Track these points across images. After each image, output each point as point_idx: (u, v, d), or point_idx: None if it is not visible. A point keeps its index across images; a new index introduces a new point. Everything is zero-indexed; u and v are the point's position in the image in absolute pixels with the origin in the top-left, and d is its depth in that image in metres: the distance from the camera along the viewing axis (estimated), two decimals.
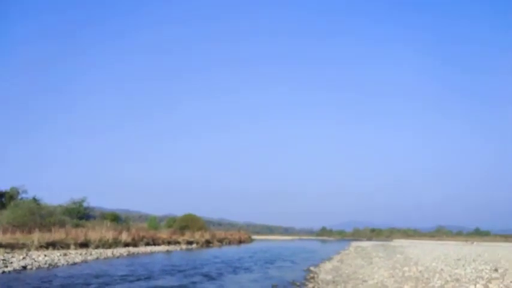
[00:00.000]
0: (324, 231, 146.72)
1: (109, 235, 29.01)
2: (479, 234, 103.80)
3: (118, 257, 23.16)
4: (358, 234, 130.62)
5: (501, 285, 10.42)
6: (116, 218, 46.46)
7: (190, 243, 41.12)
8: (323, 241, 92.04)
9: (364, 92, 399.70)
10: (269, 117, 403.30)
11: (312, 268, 18.82)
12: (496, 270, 14.01)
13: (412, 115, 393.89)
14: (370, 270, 15.80)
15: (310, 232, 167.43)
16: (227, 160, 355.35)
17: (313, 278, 14.99)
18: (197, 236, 44.57)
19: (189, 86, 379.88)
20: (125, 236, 30.84)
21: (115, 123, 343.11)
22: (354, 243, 59.98)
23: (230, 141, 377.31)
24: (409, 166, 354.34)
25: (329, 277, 14.47)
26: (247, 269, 18.89)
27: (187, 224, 50.95)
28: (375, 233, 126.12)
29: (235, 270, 18.11)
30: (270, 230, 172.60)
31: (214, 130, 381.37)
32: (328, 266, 19.73)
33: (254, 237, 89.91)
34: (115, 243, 29.14)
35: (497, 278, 12.06)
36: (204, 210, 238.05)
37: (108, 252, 24.71)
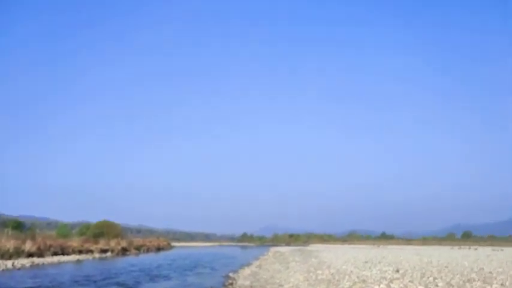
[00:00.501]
0: (244, 237, 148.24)
1: (10, 244, 26.26)
2: (385, 238, 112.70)
3: (19, 269, 21.09)
4: (277, 240, 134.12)
5: (401, 285, 11.48)
6: (18, 226, 42.29)
7: (104, 251, 38.83)
8: (243, 247, 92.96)
9: (271, 98, 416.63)
10: (186, 122, 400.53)
11: (231, 274, 18.92)
12: (397, 271, 15.38)
13: (330, 122, 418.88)
14: (287, 275, 16.35)
15: (231, 238, 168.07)
16: (146, 164, 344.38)
17: (231, 284, 15.08)
18: (113, 243, 42.27)
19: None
20: (29, 245, 28.15)
21: (15, 124, 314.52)
22: (273, 249, 61.53)
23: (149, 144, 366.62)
24: (325, 173, 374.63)
25: (247, 283, 14.68)
26: (166, 277, 18.41)
27: (102, 231, 48.13)
28: (293, 238, 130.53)
29: (153, 279, 17.54)
30: (191, 236, 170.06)
31: (132, 130, 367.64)
32: (246, 271, 19.99)
33: (174, 244, 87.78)
34: (17, 253, 26.47)
35: (398, 278, 13.24)
36: (122, 217, 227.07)
37: (8, 263, 22.38)
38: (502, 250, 45.94)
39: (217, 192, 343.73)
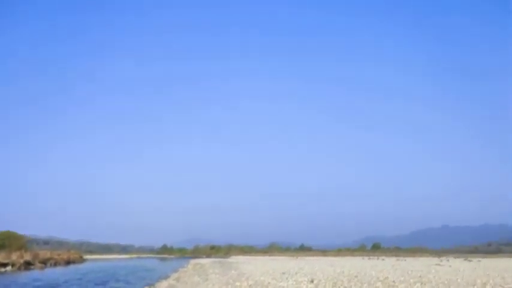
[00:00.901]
0: (164, 249, 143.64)
1: None
2: (303, 249, 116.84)
3: None
4: (198, 252, 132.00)
5: None
6: None
7: (3, 265, 35.00)
8: (163, 259, 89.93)
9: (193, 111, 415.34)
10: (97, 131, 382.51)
11: None
12: (312, 281, 16.03)
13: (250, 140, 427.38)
14: (205, 287, 16.16)
15: (150, 250, 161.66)
16: (57, 173, 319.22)
17: None
18: (14, 256, 38.27)
19: None
20: None
21: None
22: (193, 261, 60.42)
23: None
24: (246, 185, 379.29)
25: None
26: None
27: (3, 243, 43.45)
28: (214, 250, 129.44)
29: None
30: (106, 248, 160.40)
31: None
32: (164, 284, 19.38)
33: (87, 256, 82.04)
34: None
35: None
36: (29, 227, 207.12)
37: None
38: (405, 260, 50.09)
39: (136, 202, 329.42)
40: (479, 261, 46.73)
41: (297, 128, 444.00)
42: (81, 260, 62.56)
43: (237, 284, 16.15)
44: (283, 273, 21.69)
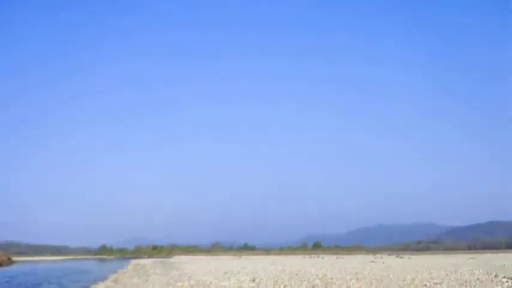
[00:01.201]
0: (103, 250, 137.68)
1: None
2: (247, 248, 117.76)
3: None
4: (139, 252, 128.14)
5: None
6: None
7: None
8: (101, 260, 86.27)
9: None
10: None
11: None
12: (253, 280, 16.24)
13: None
14: None
15: (87, 251, 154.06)
16: None
17: None
18: None
19: None
20: None
21: None
22: (134, 261, 58.62)
23: None
24: (187, 186, 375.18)
25: None
26: None
27: None
28: (156, 250, 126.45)
29: None
30: (38, 249, 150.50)
31: None
32: (100, 287, 18.64)
33: (17, 258, 76.53)
34: None
35: (253, 287, 14.00)
36: None
37: None
38: (344, 258, 52.30)
39: (73, 199, 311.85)
40: (409, 258, 49.93)
41: (242, 127, 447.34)
42: (9, 262, 58.36)
43: (179, 284, 15.95)
44: (226, 272, 21.75)
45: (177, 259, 67.24)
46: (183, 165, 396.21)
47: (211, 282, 15.96)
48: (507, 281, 14.58)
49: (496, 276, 17.26)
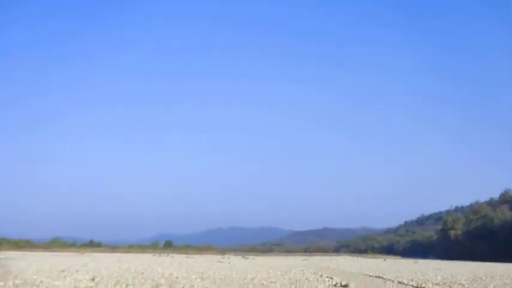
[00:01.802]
0: None
1: None
2: (92, 245, 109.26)
3: None
4: None
5: None
6: None
7: None
8: None
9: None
10: None
11: None
12: (93, 279, 15.20)
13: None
14: None
15: None
16: None
17: None
18: None
19: None
20: None
21: None
22: None
23: None
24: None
25: None
26: None
27: None
28: None
29: None
30: None
31: None
32: None
33: None
34: None
35: (92, 287, 13.12)
36: None
37: None
38: (193, 258, 52.99)
39: None
40: (254, 258, 53.45)
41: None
42: None
43: (0, 284, 13.91)
44: (62, 270, 19.85)
45: (4, 255, 58.37)
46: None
47: (42, 281, 14.36)
48: (328, 280, 16.86)
49: (321, 276, 19.78)
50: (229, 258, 53.64)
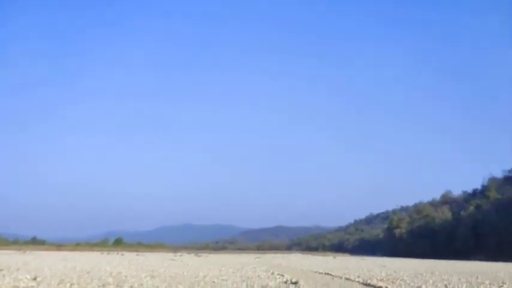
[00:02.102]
0: None
1: None
2: (35, 243, 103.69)
3: None
4: None
5: None
6: None
7: None
8: None
9: None
10: None
11: None
12: (35, 279, 14.44)
13: None
14: None
15: None
16: None
17: None
18: None
19: None
20: None
21: None
22: None
23: None
24: None
25: None
26: None
27: None
28: None
29: None
30: None
31: None
32: None
33: None
34: None
35: (33, 287, 12.46)
36: None
37: None
38: (144, 255, 51.84)
39: None
40: (206, 256, 53.21)
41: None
42: None
43: None
44: (1, 269, 18.68)
45: None
46: None
47: None
48: (279, 277, 17.14)
49: (272, 273, 20.06)
50: (181, 256, 53.02)
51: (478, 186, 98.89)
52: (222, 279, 15.73)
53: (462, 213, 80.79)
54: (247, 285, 13.81)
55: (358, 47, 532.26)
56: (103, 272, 18.50)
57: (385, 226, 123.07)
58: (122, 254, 56.10)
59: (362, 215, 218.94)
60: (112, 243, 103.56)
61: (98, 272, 18.08)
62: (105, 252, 65.55)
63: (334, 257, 66.65)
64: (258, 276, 18.01)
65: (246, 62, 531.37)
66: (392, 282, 15.66)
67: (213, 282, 14.63)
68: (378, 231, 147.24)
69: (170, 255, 56.29)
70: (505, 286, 14.45)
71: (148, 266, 23.76)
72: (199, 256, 53.05)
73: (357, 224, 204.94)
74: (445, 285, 14.49)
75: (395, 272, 22.77)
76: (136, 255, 53.96)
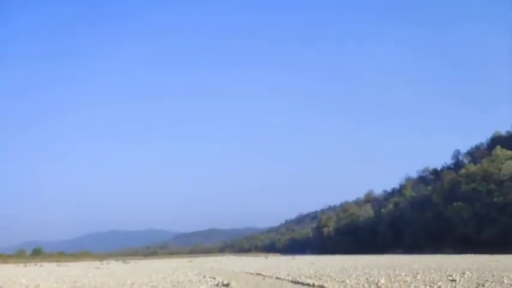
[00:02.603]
0: None
1: None
2: None
3: None
4: None
5: None
6: None
7: None
8: None
9: None
10: None
11: None
12: None
13: None
14: None
15: None
16: None
17: None
18: None
19: None
20: None
21: None
22: None
23: None
24: None
25: None
26: None
27: None
28: None
29: None
30: None
31: None
32: None
33: None
34: None
35: None
36: None
37: None
38: (67, 266, 48.47)
39: None
40: (136, 263, 51.22)
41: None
42: None
43: None
44: None
45: None
46: None
47: None
48: (211, 280, 17.06)
49: (204, 276, 19.89)
50: (108, 264, 50.42)
51: (397, 186, 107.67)
52: (152, 286, 15.26)
53: (382, 210, 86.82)
54: None
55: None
56: (18, 285, 17.00)
57: (315, 225, 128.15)
58: (41, 265, 51.89)
59: (293, 215, 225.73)
60: (29, 254, 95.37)
61: (12, 286, 16.57)
62: (22, 264, 60.13)
63: (266, 258, 67.88)
64: (189, 280, 17.75)
65: None
66: (320, 278, 16.34)
67: None
68: (307, 230, 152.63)
69: (96, 263, 53.25)
70: (418, 276, 15.78)
71: (70, 277, 22.26)
72: (127, 263, 50.85)
73: (288, 224, 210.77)
74: (367, 279, 15.44)
75: (322, 268, 23.79)
76: (57, 265, 50.25)
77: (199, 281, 17.28)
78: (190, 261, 50.51)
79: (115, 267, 38.05)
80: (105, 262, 58.36)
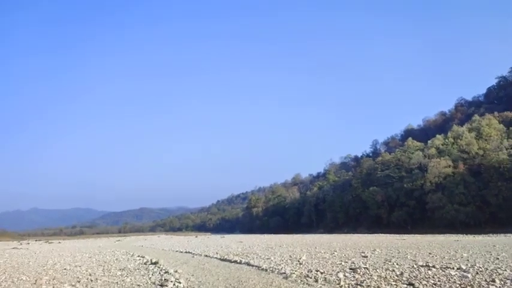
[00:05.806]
0: None
1: None
2: None
3: None
4: None
5: None
6: None
7: None
8: None
9: None
10: None
11: None
12: None
13: None
14: None
15: None
16: None
17: None
18: None
19: None
20: None
21: None
22: None
23: None
24: None
25: None
26: None
27: None
28: None
29: None
30: None
31: None
32: None
33: None
34: None
35: None
36: None
37: None
38: None
39: None
40: (59, 242, 49.00)
41: None
42: None
43: None
44: None
45: None
46: None
47: None
48: (140, 259, 17.14)
49: (132, 255, 19.83)
50: (28, 243, 47.64)
51: (321, 170, 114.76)
52: (76, 265, 14.98)
53: (308, 193, 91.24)
54: (103, 269, 13.50)
55: None
56: None
57: (245, 206, 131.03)
58: None
59: (224, 195, 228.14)
60: None
61: None
62: None
63: (196, 236, 68.44)
64: (117, 259, 17.65)
65: None
66: (247, 256, 17.17)
67: (64, 269, 13.84)
68: (238, 210, 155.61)
69: (14, 243, 49.97)
70: (335, 253, 17.25)
71: None
72: (50, 243, 48.45)
73: (219, 204, 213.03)
74: (290, 256, 16.56)
75: (250, 247, 24.82)
76: None
77: (127, 259, 17.27)
78: (118, 240, 49.44)
79: (36, 247, 36.16)
80: (24, 242, 54.96)
